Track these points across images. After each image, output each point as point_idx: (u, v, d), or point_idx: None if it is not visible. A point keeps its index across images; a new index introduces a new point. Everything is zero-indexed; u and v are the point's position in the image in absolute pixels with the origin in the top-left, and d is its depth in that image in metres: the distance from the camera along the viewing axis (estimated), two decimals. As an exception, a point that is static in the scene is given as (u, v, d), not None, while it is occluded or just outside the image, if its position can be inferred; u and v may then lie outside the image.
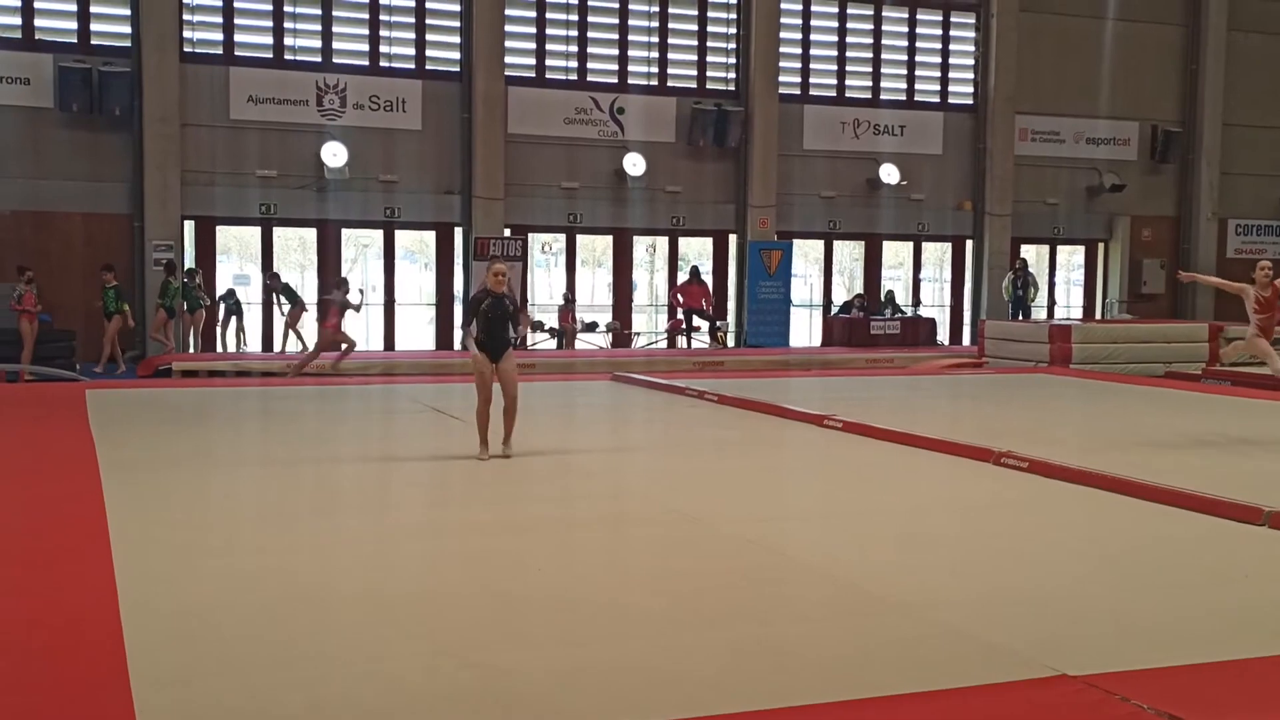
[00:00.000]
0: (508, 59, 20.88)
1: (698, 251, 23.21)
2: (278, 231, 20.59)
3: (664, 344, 22.05)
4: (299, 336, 18.71)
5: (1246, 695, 3.73)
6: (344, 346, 14.93)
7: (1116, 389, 13.25)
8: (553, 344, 20.94)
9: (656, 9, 22.03)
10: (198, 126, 19.30)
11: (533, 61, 21.37)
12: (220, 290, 19.58)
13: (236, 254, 20.40)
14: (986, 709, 3.55)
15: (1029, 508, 6.64)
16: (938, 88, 24.07)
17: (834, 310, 23.30)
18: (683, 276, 22.18)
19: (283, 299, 19.00)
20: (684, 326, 21.74)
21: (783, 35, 22.51)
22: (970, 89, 24.16)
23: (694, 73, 22.38)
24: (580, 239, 22.30)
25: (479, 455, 8.00)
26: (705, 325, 21.90)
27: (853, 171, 23.19)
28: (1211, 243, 25.76)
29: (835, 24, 23.24)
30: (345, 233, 20.89)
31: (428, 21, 20.67)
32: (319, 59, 20.12)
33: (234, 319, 19.25)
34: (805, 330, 23.64)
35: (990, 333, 18.79)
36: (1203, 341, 17.52)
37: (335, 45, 20.22)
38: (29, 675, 3.65)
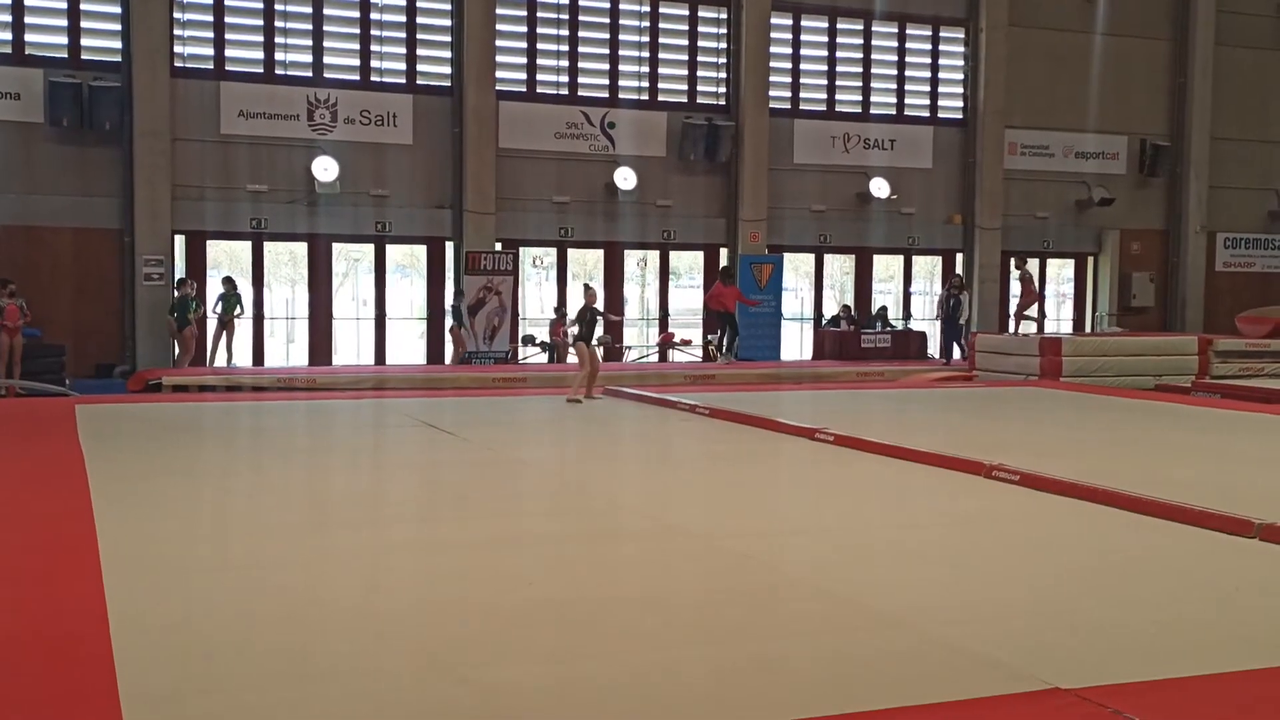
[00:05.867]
0: (499, 73, 20.91)
1: (689, 265, 23.21)
2: (268, 246, 20.57)
3: (655, 358, 22.03)
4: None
5: (1238, 708, 3.73)
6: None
7: (1107, 402, 13.28)
8: (544, 358, 20.92)
9: (647, 24, 22.09)
10: (188, 141, 19.30)
11: (524, 76, 21.42)
12: (212, 303, 19.51)
13: (227, 268, 20.38)
14: (979, 722, 3.55)
15: (1020, 521, 6.64)
16: (927, 102, 24.16)
17: (824, 323, 23.29)
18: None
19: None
20: (715, 334, 20.65)
21: (773, 50, 22.60)
22: (960, 103, 24.25)
23: (685, 87, 22.44)
24: (571, 253, 22.32)
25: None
26: (714, 336, 20.86)
27: (843, 185, 23.25)
28: (1200, 256, 25.88)
29: (825, 39, 23.33)
30: (336, 247, 20.90)
31: (418, 36, 20.70)
32: (310, 74, 20.14)
33: (224, 333, 19.19)
34: (796, 343, 23.67)
35: (981, 346, 18.83)
36: (1192, 354, 17.60)
37: (326, 60, 20.25)
38: (18, 692, 3.63)
